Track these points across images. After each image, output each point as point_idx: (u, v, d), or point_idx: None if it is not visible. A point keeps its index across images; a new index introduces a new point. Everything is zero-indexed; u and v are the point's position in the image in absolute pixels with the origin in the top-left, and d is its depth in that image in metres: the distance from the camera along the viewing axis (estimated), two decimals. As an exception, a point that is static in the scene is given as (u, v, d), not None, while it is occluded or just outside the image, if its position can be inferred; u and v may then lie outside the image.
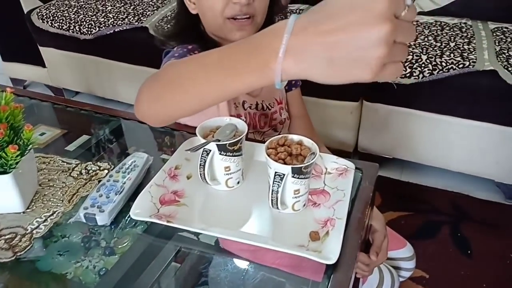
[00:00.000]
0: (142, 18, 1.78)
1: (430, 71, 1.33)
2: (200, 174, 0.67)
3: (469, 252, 1.29)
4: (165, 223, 0.62)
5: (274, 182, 0.61)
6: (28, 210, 0.67)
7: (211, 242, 0.66)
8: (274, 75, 0.43)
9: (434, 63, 1.34)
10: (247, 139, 0.70)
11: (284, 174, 0.60)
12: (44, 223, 0.65)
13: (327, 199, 0.68)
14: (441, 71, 1.31)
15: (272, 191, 0.61)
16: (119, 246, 0.63)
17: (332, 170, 0.74)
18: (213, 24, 0.82)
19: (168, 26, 0.93)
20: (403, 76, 1.36)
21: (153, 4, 1.90)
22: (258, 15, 0.80)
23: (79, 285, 0.57)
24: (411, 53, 1.39)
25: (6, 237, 0.62)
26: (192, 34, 0.85)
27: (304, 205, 0.66)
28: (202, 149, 0.65)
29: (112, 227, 0.66)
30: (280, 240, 0.61)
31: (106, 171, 0.76)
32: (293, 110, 0.99)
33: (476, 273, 1.21)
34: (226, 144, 0.65)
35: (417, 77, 1.34)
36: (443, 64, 1.32)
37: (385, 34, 0.37)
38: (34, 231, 0.63)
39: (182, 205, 0.67)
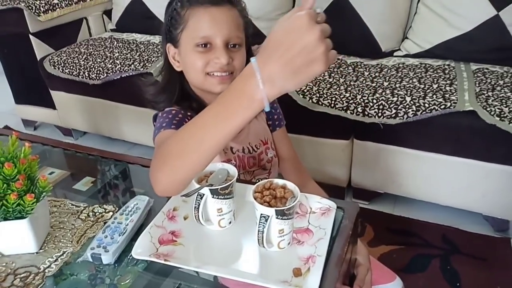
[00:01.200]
0: (147, 64, 1.90)
1: (414, 112, 1.41)
2: (195, 216, 0.73)
3: (458, 285, 1.33)
4: (163, 261, 0.68)
5: (260, 223, 0.68)
6: (41, 251, 0.74)
7: (210, 278, 0.71)
8: (262, 102, 0.57)
9: (417, 104, 1.42)
10: (239, 180, 0.77)
11: (269, 216, 0.67)
12: (55, 263, 0.71)
13: (310, 237, 0.75)
14: (424, 112, 1.40)
15: (258, 231, 0.68)
16: (122, 283, 0.69)
17: (316, 209, 0.80)
18: (195, 79, 0.91)
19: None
20: (389, 116, 1.44)
21: (157, 50, 2.02)
22: (237, 71, 0.89)
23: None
24: (397, 95, 1.48)
25: (22, 275, 0.68)
26: (176, 87, 0.94)
27: (289, 243, 0.72)
28: (197, 193, 0.73)
29: (116, 265, 0.72)
30: (267, 277, 0.67)
31: (111, 213, 0.83)
32: (281, 150, 1.06)
33: (465, 306, 1.25)
34: (218, 188, 0.72)
35: (402, 118, 1.42)
36: (426, 105, 1.41)
37: (318, 35, 0.52)
38: (46, 270, 0.70)
39: (179, 244, 0.74)
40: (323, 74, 1.68)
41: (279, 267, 0.69)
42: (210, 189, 0.72)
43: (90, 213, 0.83)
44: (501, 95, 1.41)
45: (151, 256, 0.69)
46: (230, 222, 0.77)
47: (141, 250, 0.70)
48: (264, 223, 0.67)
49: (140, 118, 1.94)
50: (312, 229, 0.76)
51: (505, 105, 1.35)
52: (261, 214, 0.68)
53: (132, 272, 0.71)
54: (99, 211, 0.84)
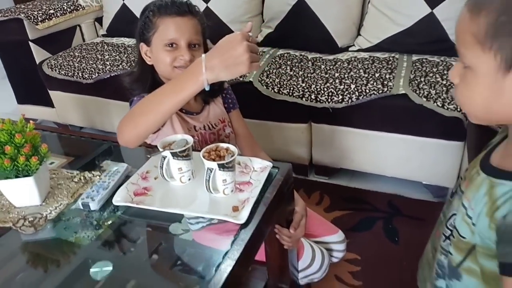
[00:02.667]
0: (133, 64, 2.09)
1: (356, 97, 1.62)
2: (161, 173, 0.94)
3: (396, 239, 1.54)
4: (135, 205, 0.89)
5: (206, 174, 0.88)
6: (43, 204, 0.94)
7: (177, 217, 0.89)
8: (203, 82, 0.85)
9: (360, 90, 1.63)
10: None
11: (213, 168, 0.88)
12: (55, 210, 0.92)
13: (250, 187, 0.95)
14: (365, 96, 1.61)
15: (205, 180, 0.89)
16: (105, 224, 0.90)
17: (257, 168, 1.01)
18: (164, 71, 1.12)
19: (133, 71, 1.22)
20: (336, 101, 1.65)
21: (142, 52, 2.22)
22: None
23: (77, 245, 0.84)
24: (344, 83, 1.69)
25: (30, 219, 0.89)
26: (148, 77, 1.15)
27: (232, 190, 0.92)
28: (161, 155, 0.93)
29: (101, 212, 0.92)
30: (213, 212, 0.88)
31: (98, 177, 1.04)
32: (237, 128, 1.27)
33: (400, 255, 1.46)
34: (177, 151, 0.93)
35: (347, 102, 1.63)
36: (367, 91, 1.62)
37: (245, 49, 0.81)
38: (48, 215, 0.90)
39: (149, 195, 0.94)
40: (285, 69, 1.89)
41: (223, 206, 0.89)
42: (171, 152, 0.92)
43: (82, 177, 1.03)
44: (431, 80, 1.62)
45: (127, 203, 0.90)
46: (189, 179, 0.97)
47: (119, 199, 0.91)
48: (209, 174, 0.88)
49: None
50: (252, 182, 0.97)
51: (433, 89, 1.56)
52: (207, 168, 0.88)
53: (113, 216, 0.92)
54: (89, 175, 1.04)
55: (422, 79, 1.64)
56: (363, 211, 1.70)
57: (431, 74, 1.67)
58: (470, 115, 0.57)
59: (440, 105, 1.51)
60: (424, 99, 1.53)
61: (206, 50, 1.17)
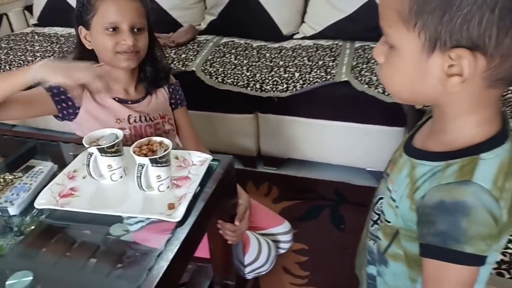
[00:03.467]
0: (66, 54, 1.96)
1: (301, 85, 1.61)
2: (88, 172, 0.87)
3: (342, 227, 1.56)
4: (59, 207, 0.81)
5: (138, 171, 0.82)
6: (-47, 210, 0.84)
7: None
8: (31, 76, 0.89)
9: (304, 78, 1.62)
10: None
11: (144, 164, 0.82)
12: (-33, 218, 0.82)
13: (188, 182, 0.90)
14: (308, 84, 1.60)
15: (137, 177, 0.83)
16: (27, 229, 0.82)
17: (196, 162, 0.96)
18: (105, 57, 1.05)
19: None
20: (281, 90, 1.63)
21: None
22: (141, 51, 1.06)
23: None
24: (288, 72, 1.67)
25: None
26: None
27: (168, 187, 0.87)
28: (87, 152, 0.86)
29: (23, 217, 0.84)
30: (147, 211, 0.82)
31: (19, 179, 0.95)
32: (181, 126, 1.21)
33: (346, 242, 1.47)
34: (105, 147, 0.86)
35: (291, 91, 1.62)
36: (311, 79, 1.61)
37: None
38: (-41, 224, 0.81)
39: (76, 196, 0.86)
40: (230, 57, 1.84)
41: (158, 204, 0.83)
42: (97, 148, 0.85)
43: (1, 179, 0.94)
44: (373, 67, 1.64)
45: (50, 205, 0.82)
46: (121, 177, 0.91)
47: (43, 202, 0.83)
48: (141, 170, 0.82)
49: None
50: (190, 176, 0.92)
51: (374, 75, 1.58)
52: (139, 163, 0.82)
53: (36, 220, 0.84)
54: (9, 177, 0.95)
55: (364, 66, 1.65)
56: (310, 200, 1.70)
57: (372, 61, 1.69)
58: (394, 95, 0.56)
59: (381, 91, 1.53)
60: (366, 86, 1.54)
61: (151, 34, 1.10)
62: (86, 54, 1.07)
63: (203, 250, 1.13)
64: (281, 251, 1.35)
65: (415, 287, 0.60)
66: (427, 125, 0.60)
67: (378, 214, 0.63)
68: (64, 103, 1.05)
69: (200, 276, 1.20)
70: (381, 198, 0.63)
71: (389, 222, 0.60)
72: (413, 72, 0.50)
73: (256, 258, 1.22)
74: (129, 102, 1.11)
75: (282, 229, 1.34)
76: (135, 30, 1.04)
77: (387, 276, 0.64)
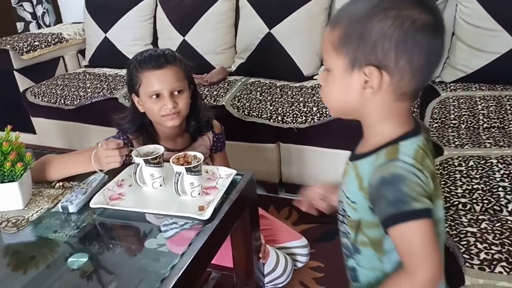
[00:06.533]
0: (113, 91, 2.20)
1: (318, 118, 1.76)
2: (134, 179, 1.03)
3: (356, 247, 1.64)
4: (110, 207, 0.97)
5: (175, 177, 0.98)
6: (25, 208, 1.01)
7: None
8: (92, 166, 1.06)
9: (321, 112, 1.77)
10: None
11: (181, 172, 0.98)
12: (36, 213, 0.99)
13: (215, 191, 1.05)
14: (325, 117, 1.74)
15: (174, 183, 0.98)
16: (83, 225, 0.97)
17: (223, 175, 1.11)
18: (153, 119, 1.21)
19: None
20: (300, 122, 1.78)
21: (122, 80, 2.33)
22: (182, 111, 1.19)
23: (56, 242, 0.91)
24: (307, 106, 1.82)
25: (13, 221, 0.96)
26: (137, 122, 1.23)
27: (199, 193, 1.02)
28: (135, 162, 1.03)
29: (79, 215, 1.00)
30: (182, 211, 0.97)
31: (77, 185, 1.11)
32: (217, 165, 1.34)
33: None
34: (149, 158, 1.02)
35: (310, 122, 1.77)
36: (327, 112, 1.75)
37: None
38: (30, 217, 0.97)
39: (123, 200, 1.02)
40: (255, 94, 2.02)
41: (191, 206, 0.98)
42: (143, 159, 1.02)
43: (61, 185, 1.11)
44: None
45: (102, 205, 0.98)
46: (161, 185, 1.06)
47: (96, 201, 0.99)
48: (177, 177, 0.97)
49: (108, 135, 2.21)
50: (218, 186, 1.06)
51: (386, 110, 1.71)
52: (176, 171, 0.98)
53: (90, 218, 0.99)
54: (68, 184, 1.12)
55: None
56: (327, 224, 1.79)
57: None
58: (331, 110, 0.72)
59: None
60: (378, 119, 1.67)
61: (194, 88, 1.25)
62: (136, 115, 1.23)
63: (227, 259, 1.25)
64: (299, 265, 1.44)
65: (383, 266, 0.71)
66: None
67: (343, 214, 0.75)
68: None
69: (223, 283, 1.31)
70: (341, 201, 0.75)
71: (350, 217, 0.72)
72: (342, 89, 0.66)
73: (273, 268, 1.32)
74: (176, 151, 1.22)
75: (300, 243, 1.44)
76: (176, 93, 1.16)
77: (363, 262, 0.74)
